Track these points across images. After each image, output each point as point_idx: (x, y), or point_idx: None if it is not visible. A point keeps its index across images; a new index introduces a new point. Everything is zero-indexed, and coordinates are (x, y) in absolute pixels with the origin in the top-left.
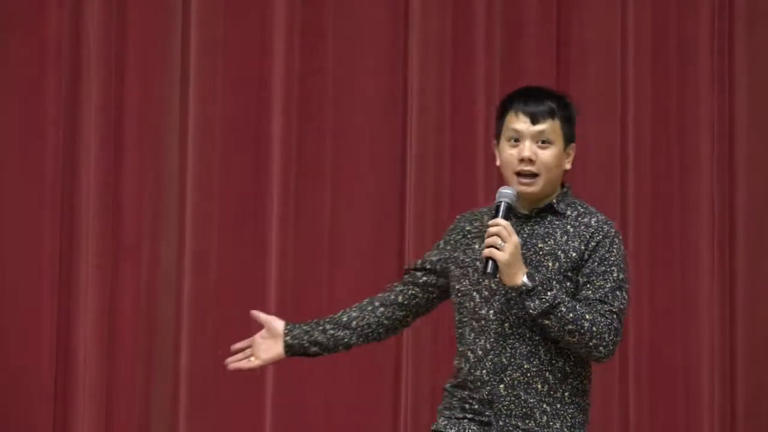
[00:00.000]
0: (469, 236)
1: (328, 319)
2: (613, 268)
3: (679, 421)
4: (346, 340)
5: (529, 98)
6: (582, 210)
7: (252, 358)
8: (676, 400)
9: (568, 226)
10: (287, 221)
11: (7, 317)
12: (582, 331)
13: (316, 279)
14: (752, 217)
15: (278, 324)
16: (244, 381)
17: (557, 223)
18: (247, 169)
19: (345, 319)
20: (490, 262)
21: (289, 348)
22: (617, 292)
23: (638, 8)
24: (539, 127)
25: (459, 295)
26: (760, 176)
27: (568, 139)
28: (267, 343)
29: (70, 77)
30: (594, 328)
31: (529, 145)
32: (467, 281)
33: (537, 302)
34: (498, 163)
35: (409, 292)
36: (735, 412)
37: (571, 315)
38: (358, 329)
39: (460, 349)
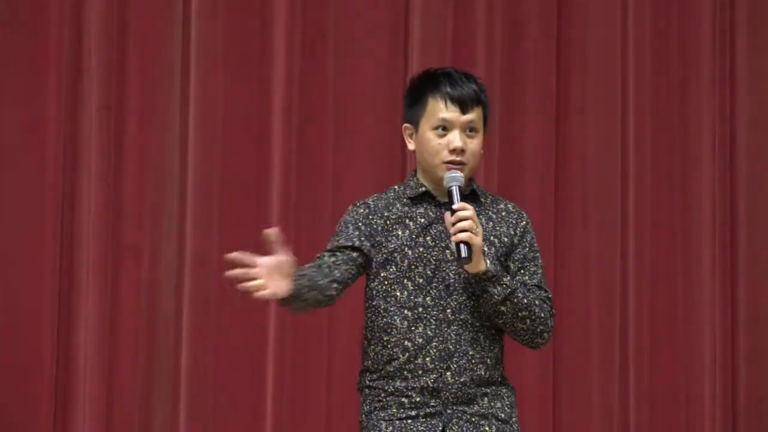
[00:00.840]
0: (389, 222)
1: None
2: (538, 254)
3: (680, 422)
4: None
5: (455, 84)
6: (492, 197)
7: (262, 287)
8: (677, 401)
9: (490, 212)
10: (287, 221)
11: (7, 317)
12: (533, 317)
13: None
14: (754, 217)
15: (289, 266)
16: (244, 381)
17: (478, 210)
18: (247, 168)
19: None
20: (464, 247)
21: (290, 297)
22: (544, 279)
23: (638, 8)
24: (468, 116)
25: (385, 283)
26: (762, 176)
27: (486, 127)
28: (277, 275)
29: (71, 77)
30: (542, 314)
31: (459, 135)
32: (395, 268)
33: (499, 288)
34: (411, 147)
35: (350, 272)
36: (736, 414)
37: (525, 301)
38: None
39: (387, 339)
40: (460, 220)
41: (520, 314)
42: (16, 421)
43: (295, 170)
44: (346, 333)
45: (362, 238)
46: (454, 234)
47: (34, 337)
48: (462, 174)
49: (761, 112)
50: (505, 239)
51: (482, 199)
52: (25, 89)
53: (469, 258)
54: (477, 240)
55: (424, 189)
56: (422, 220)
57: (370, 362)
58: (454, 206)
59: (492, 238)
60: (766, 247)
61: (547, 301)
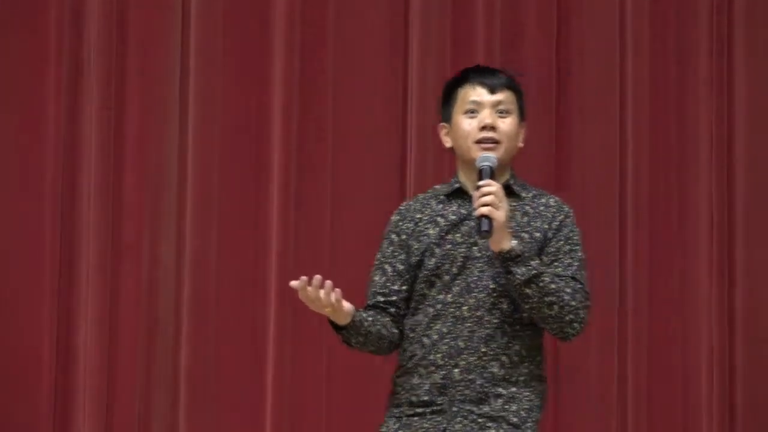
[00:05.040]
0: (420, 223)
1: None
2: (577, 247)
3: (677, 421)
4: (384, 340)
5: (484, 72)
6: (535, 192)
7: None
8: (674, 400)
9: (527, 207)
10: (287, 221)
11: (7, 317)
12: (562, 303)
13: None
14: (751, 218)
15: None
16: (244, 381)
17: (515, 204)
18: (247, 168)
19: (384, 320)
20: (485, 221)
21: (349, 325)
22: (583, 272)
23: (637, 9)
24: (497, 96)
25: (419, 282)
26: (759, 177)
27: (522, 114)
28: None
29: (70, 77)
30: (573, 303)
31: (490, 113)
32: (425, 267)
33: (524, 269)
34: (448, 144)
35: (400, 323)
36: (734, 413)
37: (553, 286)
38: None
39: (412, 336)
40: (483, 195)
41: (546, 299)
42: (16, 421)
43: (295, 170)
44: None
45: (395, 277)
46: (477, 208)
47: (34, 337)
48: (495, 155)
49: (759, 113)
50: (538, 234)
51: (523, 194)
52: (25, 89)
53: (489, 232)
54: (498, 215)
55: (458, 185)
56: (453, 217)
57: (399, 359)
58: (480, 183)
59: (523, 233)
60: (763, 247)
61: (581, 293)
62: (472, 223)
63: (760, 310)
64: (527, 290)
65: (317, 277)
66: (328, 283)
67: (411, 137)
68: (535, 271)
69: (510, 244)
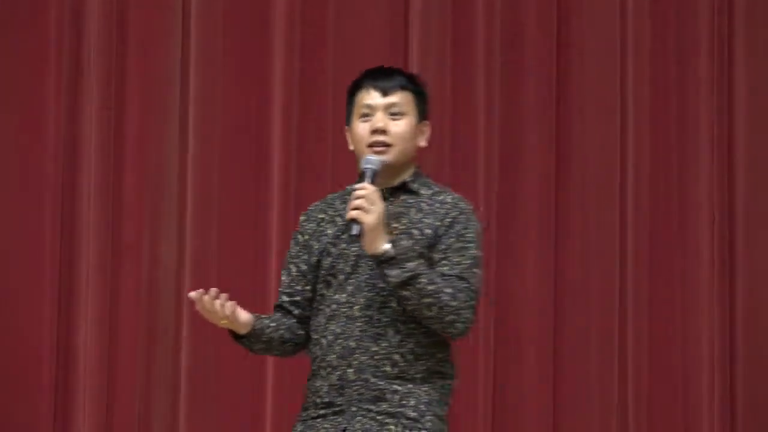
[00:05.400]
0: (322, 224)
1: (273, 319)
2: (470, 245)
3: (678, 422)
4: (288, 344)
5: (379, 74)
6: (437, 189)
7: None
8: (675, 401)
9: (423, 204)
10: (287, 221)
11: (7, 317)
12: (440, 304)
13: None
14: (752, 218)
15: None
16: (244, 381)
17: (411, 201)
18: (247, 168)
19: (287, 323)
20: (354, 225)
21: (248, 334)
22: (474, 270)
23: (638, 9)
24: (390, 99)
25: (319, 283)
26: (760, 177)
27: (422, 114)
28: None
29: (71, 77)
30: (453, 303)
31: (381, 116)
32: (323, 267)
33: (398, 271)
34: (351, 147)
35: (306, 324)
36: (735, 414)
37: (431, 287)
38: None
39: (314, 337)
40: (356, 199)
41: (425, 300)
42: (16, 421)
43: (295, 170)
44: None
45: (299, 277)
46: (348, 212)
47: (34, 337)
48: (381, 158)
49: (759, 113)
50: (428, 231)
51: (422, 191)
52: (25, 89)
53: (358, 236)
54: (367, 218)
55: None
56: (326, 216)
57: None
58: (355, 186)
59: (413, 230)
60: (764, 247)
61: (466, 291)
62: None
63: (760, 309)
64: (404, 292)
65: (213, 290)
66: (224, 295)
67: None
68: (409, 273)
69: (383, 246)
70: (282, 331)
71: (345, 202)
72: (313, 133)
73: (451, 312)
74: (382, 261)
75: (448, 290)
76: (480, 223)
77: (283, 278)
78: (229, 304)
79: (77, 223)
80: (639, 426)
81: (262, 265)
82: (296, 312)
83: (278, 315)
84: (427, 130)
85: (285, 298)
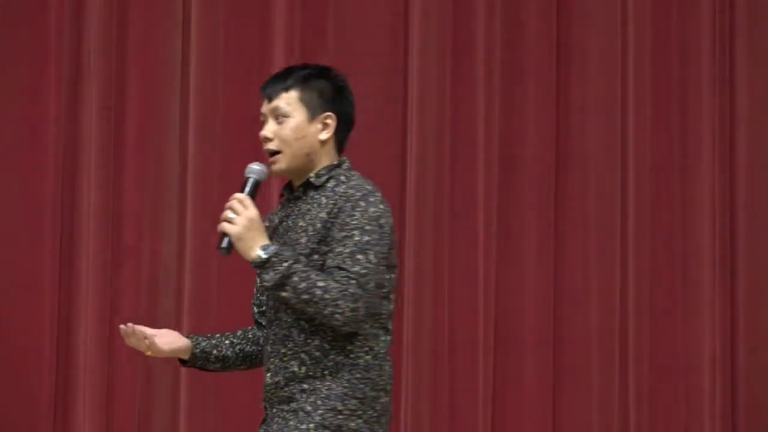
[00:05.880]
0: (267, 231)
1: (232, 335)
2: (354, 231)
3: (679, 422)
4: (253, 356)
5: (270, 80)
6: (343, 180)
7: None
8: (676, 401)
9: (323, 198)
10: None
11: (7, 317)
12: (315, 299)
13: None
14: (753, 217)
15: (176, 334)
16: (244, 381)
17: (316, 197)
18: None
19: (250, 335)
20: (223, 237)
21: (192, 358)
22: (358, 256)
23: (639, 8)
24: (273, 104)
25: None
26: (762, 176)
27: (318, 109)
28: (170, 337)
29: (71, 77)
30: (326, 296)
31: (269, 124)
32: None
33: (271, 274)
34: None
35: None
36: (736, 414)
37: (303, 284)
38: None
39: None
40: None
41: (302, 298)
42: (16, 421)
43: None
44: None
45: (259, 291)
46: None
47: (34, 337)
48: (262, 166)
49: (761, 113)
50: (318, 225)
51: (329, 184)
52: (25, 89)
53: (225, 248)
54: (230, 229)
55: (284, 190)
56: (273, 223)
57: None
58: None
59: (309, 226)
60: (765, 246)
61: (344, 281)
62: (289, 223)
63: (761, 310)
64: (282, 294)
65: (129, 326)
66: (138, 330)
67: (411, 137)
68: (280, 275)
69: (255, 253)
70: (242, 346)
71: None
72: None
73: (327, 305)
74: (256, 267)
75: (321, 284)
76: (379, 207)
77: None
78: (147, 333)
79: (77, 223)
80: (640, 426)
81: None
82: (263, 321)
83: (248, 330)
84: (331, 122)
85: (255, 310)
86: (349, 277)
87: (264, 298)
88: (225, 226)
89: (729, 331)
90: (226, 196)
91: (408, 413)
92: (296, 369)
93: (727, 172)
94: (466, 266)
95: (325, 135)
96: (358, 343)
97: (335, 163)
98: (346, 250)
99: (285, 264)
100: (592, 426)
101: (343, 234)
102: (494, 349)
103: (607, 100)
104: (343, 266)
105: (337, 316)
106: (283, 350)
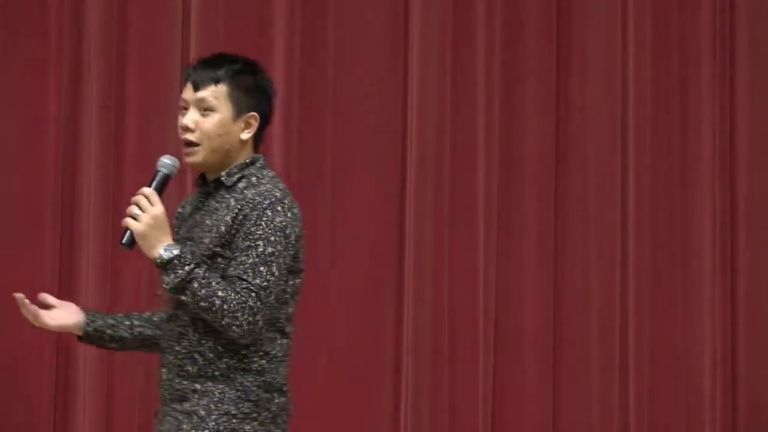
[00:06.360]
0: (176, 220)
1: (135, 316)
2: (259, 242)
3: (680, 423)
4: (153, 340)
5: (199, 66)
6: (254, 182)
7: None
8: (676, 401)
9: (232, 200)
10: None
11: (8, 317)
12: (214, 309)
13: (316, 279)
14: (754, 217)
15: (74, 310)
16: None
17: (227, 197)
18: None
19: (156, 319)
20: (127, 232)
21: (86, 336)
22: (260, 268)
23: (639, 8)
24: (200, 94)
25: None
26: (762, 176)
27: (244, 107)
28: (63, 311)
29: (71, 77)
30: (225, 306)
31: (192, 113)
32: None
33: (171, 276)
34: None
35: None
36: (736, 415)
37: (203, 291)
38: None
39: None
40: (131, 205)
41: (201, 305)
42: (17, 422)
43: (295, 170)
44: (346, 332)
45: None
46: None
47: (34, 337)
48: (173, 160)
49: (761, 113)
50: (222, 228)
51: (240, 185)
52: (25, 89)
53: (127, 244)
54: (135, 225)
55: (198, 180)
56: (181, 210)
57: None
58: (140, 190)
59: (214, 226)
60: (765, 246)
61: (244, 293)
62: (198, 217)
63: (762, 310)
64: (182, 297)
65: (19, 296)
66: (25, 301)
67: (411, 137)
68: (179, 279)
69: (157, 252)
70: (143, 329)
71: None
72: (313, 133)
73: (225, 316)
74: (157, 266)
75: (221, 293)
76: (286, 216)
77: None
78: (32, 308)
79: (77, 223)
80: (640, 426)
81: None
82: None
83: (156, 313)
84: (253, 122)
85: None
86: (249, 289)
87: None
88: (129, 222)
89: (729, 331)
90: None
91: (408, 413)
92: (189, 368)
93: (727, 172)
94: (466, 266)
95: (246, 135)
96: (253, 348)
97: (248, 161)
98: (249, 261)
99: (186, 268)
100: (592, 426)
101: (248, 243)
102: (494, 349)
103: (607, 100)
104: (245, 277)
105: (234, 328)
106: (177, 348)
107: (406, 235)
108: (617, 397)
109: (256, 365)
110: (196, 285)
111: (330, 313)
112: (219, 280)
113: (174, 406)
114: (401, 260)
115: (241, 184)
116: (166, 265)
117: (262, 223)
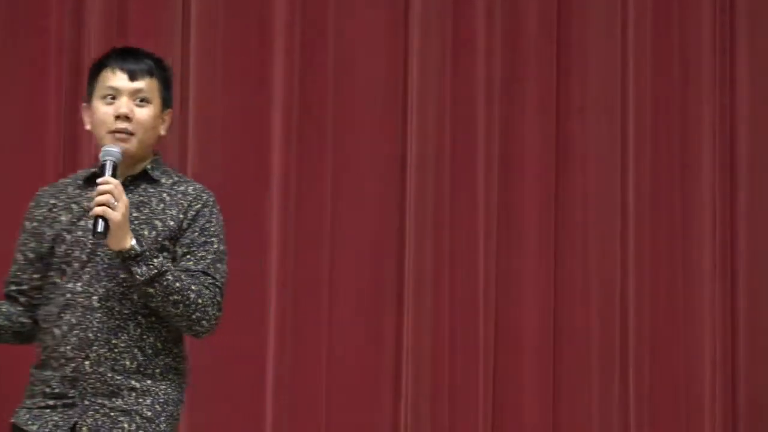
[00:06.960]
0: (54, 209)
1: None
2: (213, 239)
3: (680, 423)
4: (2, 331)
5: (128, 56)
6: (177, 178)
7: None
8: (677, 402)
9: (164, 194)
10: (287, 221)
11: None
12: (187, 302)
13: (316, 279)
14: (754, 218)
15: None
16: (244, 380)
17: (152, 191)
18: (247, 168)
19: (4, 310)
20: (101, 222)
21: None
22: (218, 264)
23: (639, 9)
24: (137, 84)
25: (49, 270)
26: (762, 177)
27: (165, 102)
28: None
29: (71, 77)
30: (200, 300)
31: (126, 102)
32: (55, 255)
33: (144, 268)
34: (88, 126)
35: (34, 312)
36: (736, 415)
37: (177, 284)
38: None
39: (44, 326)
40: (100, 194)
41: (171, 298)
42: None
43: (295, 170)
44: (346, 332)
45: (26, 265)
46: (93, 207)
47: None
48: (123, 147)
49: (761, 113)
50: (171, 222)
51: (163, 180)
52: (25, 89)
53: (104, 234)
54: (113, 214)
55: (95, 170)
56: (87, 203)
57: (39, 349)
58: (98, 180)
59: (156, 221)
60: (765, 247)
61: (212, 288)
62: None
63: (762, 311)
64: (150, 290)
65: None
66: None
67: (411, 137)
68: (155, 270)
69: (130, 243)
70: (1, 320)
71: (79, 188)
72: (313, 133)
73: (197, 309)
74: (128, 258)
75: (194, 287)
76: (221, 215)
77: (11, 267)
78: None
79: None
80: (640, 426)
81: (262, 265)
82: (23, 300)
83: (1, 305)
84: (168, 119)
85: (12, 287)
86: (215, 284)
87: (35, 276)
88: (107, 212)
89: (729, 332)
90: (226, 196)
91: (408, 413)
92: (128, 363)
93: (728, 172)
94: (466, 266)
95: (164, 131)
96: (180, 349)
97: (156, 157)
98: (209, 257)
99: (158, 260)
100: (592, 426)
101: (204, 239)
102: (494, 349)
103: (607, 100)
104: (209, 272)
105: (203, 322)
106: (114, 341)
107: (406, 235)
108: (617, 397)
109: (182, 366)
110: (170, 278)
111: (330, 313)
112: (186, 273)
113: (102, 401)
114: (401, 260)
115: (165, 179)
116: (137, 257)
117: (213, 220)
